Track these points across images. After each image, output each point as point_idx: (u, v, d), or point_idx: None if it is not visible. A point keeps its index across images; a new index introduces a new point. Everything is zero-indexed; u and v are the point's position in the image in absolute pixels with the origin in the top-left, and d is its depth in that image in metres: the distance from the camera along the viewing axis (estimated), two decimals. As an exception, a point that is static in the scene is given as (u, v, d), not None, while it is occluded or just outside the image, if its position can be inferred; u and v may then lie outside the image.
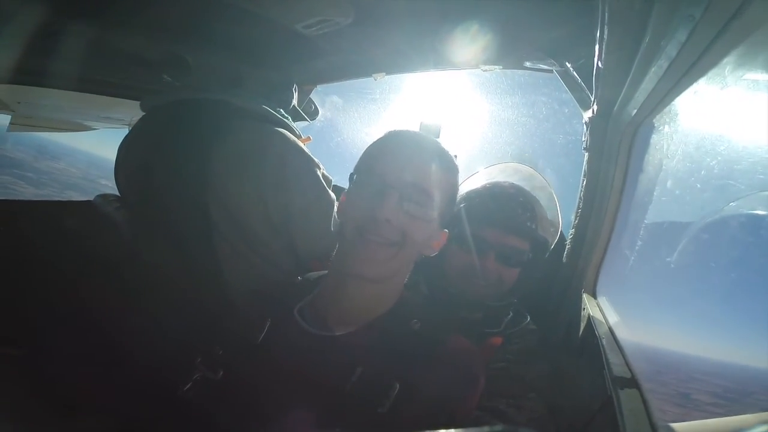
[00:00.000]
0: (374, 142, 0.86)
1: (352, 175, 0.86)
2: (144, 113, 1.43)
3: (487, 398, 0.87)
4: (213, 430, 0.76)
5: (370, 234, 0.76)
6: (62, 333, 1.11)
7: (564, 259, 1.38)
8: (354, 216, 0.79)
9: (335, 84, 2.01)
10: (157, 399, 0.84)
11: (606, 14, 0.65)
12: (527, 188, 1.25)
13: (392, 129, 0.86)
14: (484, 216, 1.12)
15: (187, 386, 0.81)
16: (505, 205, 1.15)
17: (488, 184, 1.25)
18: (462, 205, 1.13)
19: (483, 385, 0.79)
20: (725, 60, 0.53)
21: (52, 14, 1.18)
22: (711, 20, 0.48)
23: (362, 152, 0.88)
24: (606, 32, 0.69)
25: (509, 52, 1.27)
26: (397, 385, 0.71)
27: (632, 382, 0.69)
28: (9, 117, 2.17)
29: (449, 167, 0.84)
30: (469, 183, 1.33)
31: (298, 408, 0.71)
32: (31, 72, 1.41)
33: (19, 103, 1.82)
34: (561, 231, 1.55)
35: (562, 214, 1.40)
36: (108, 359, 1.03)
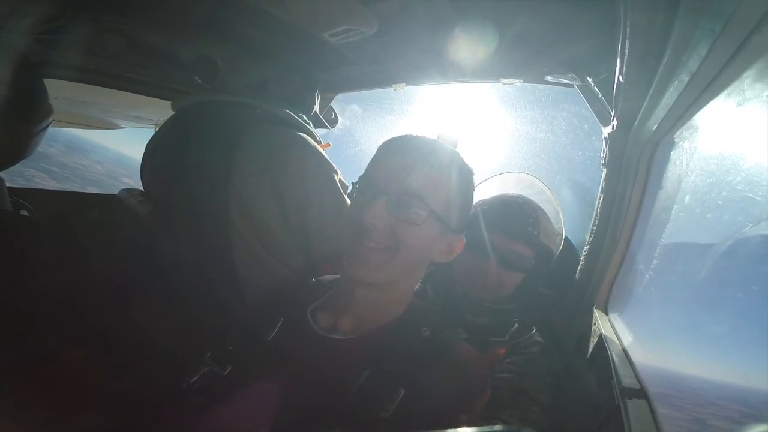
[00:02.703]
0: (378, 150, 0.86)
1: (354, 183, 0.86)
2: (174, 112, 1.49)
3: (490, 409, 0.87)
4: (213, 424, 0.76)
5: (364, 239, 0.77)
6: (73, 318, 1.13)
7: (577, 275, 1.36)
8: (350, 220, 0.80)
9: (355, 93, 2.06)
10: (162, 389, 0.85)
11: (628, 28, 0.66)
12: (533, 199, 1.28)
13: (399, 137, 0.85)
14: (491, 221, 1.15)
15: (193, 379, 0.81)
16: (512, 213, 1.19)
17: (496, 193, 1.29)
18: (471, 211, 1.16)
19: (488, 396, 0.78)
20: (746, 74, 0.53)
21: (93, 10, 1.25)
22: (732, 34, 0.49)
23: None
24: (627, 46, 0.70)
25: (530, 66, 1.29)
26: (403, 391, 0.71)
27: (641, 393, 0.68)
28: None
29: (452, 169, 0.81)
30: (479, 190, 1.37)
31: (301, 407, 0.72)
32: (72, 67, 1.48)
33: (56, 98, 1.91)
34: (575, 247, 1.56)
35: (576, 232, 1.40)
36: (118, 347, 1.05)
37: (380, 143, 0.86)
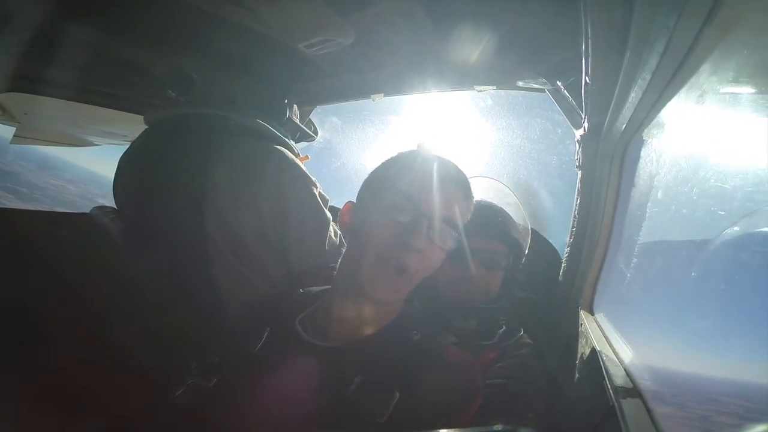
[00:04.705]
0: (399, 163, 0.85)
1: (368, 190, 0.85)
2: (147, 126, 1.46)
3: (484, 415, 0.85)
4: None
5: (393, 260, 0.76)
6: (55, 337, 1.09)
7: (560, 277, 1.37)
8: (379, 238, 0.77)
9: (334, 105, 2.07)
10: (148, 402, 0.83)
11: (589, 28, 0.68)
12: (495, 200, 1.31)
13: (417, 151, 0.86)
14: (467, 226, 1.16)
15: (179, 391, 0.79)
16: (482, 214, 1.19)
17: None
18: None
19: (481, 397, 0.77)
20: (702, 68, 0.55)
21: (64, 22, 1.23)
22: (684, 29, 0.51)
23: (380, 168, 0.87)
24: (590, 46, 0.72)
25: (502, 73, 1.32)
26: (397, 395, 0.70)
27: (635, 392, 0.67)
28: (13, 129, 2.21)
29: (470, 198, 0.86)
30: None
31: (294, 416, 0.70)
32: (41, 81, 1.44)
33: (25, 114, 1.86)
34: (557, 250, 1.57)
35: (558, 235, 1.42)
36: (103, 362, 1.02)
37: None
